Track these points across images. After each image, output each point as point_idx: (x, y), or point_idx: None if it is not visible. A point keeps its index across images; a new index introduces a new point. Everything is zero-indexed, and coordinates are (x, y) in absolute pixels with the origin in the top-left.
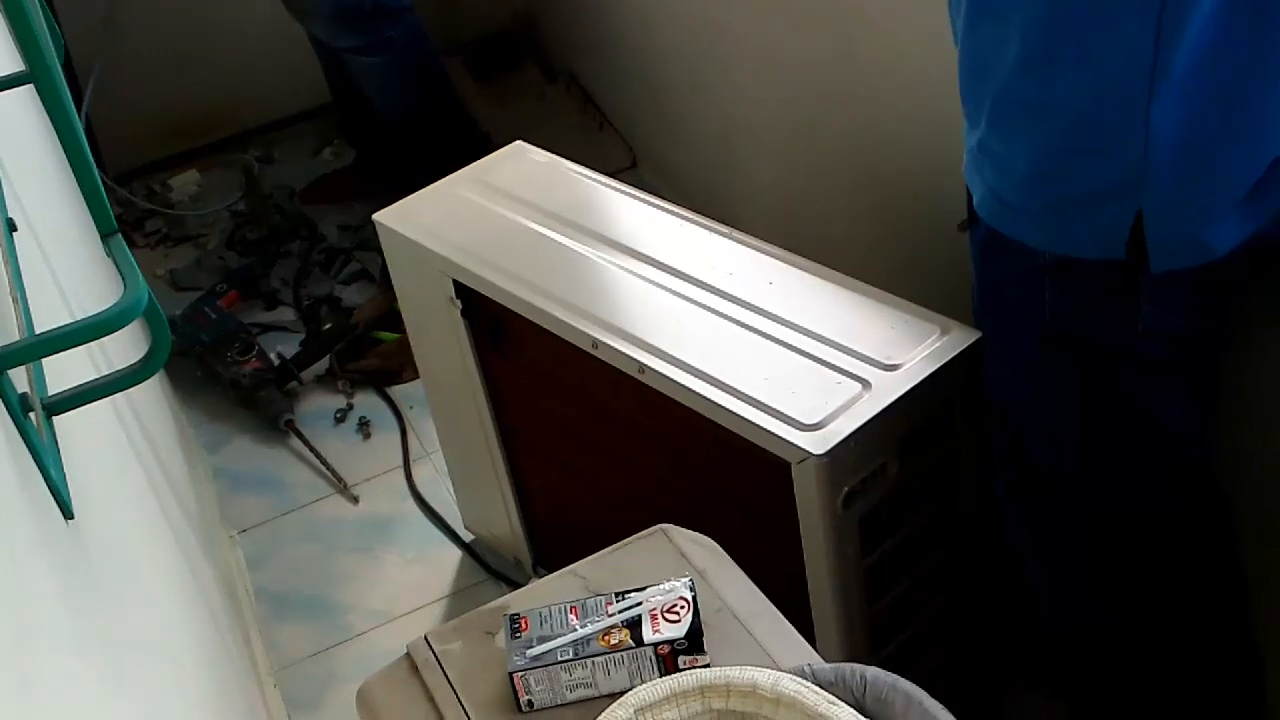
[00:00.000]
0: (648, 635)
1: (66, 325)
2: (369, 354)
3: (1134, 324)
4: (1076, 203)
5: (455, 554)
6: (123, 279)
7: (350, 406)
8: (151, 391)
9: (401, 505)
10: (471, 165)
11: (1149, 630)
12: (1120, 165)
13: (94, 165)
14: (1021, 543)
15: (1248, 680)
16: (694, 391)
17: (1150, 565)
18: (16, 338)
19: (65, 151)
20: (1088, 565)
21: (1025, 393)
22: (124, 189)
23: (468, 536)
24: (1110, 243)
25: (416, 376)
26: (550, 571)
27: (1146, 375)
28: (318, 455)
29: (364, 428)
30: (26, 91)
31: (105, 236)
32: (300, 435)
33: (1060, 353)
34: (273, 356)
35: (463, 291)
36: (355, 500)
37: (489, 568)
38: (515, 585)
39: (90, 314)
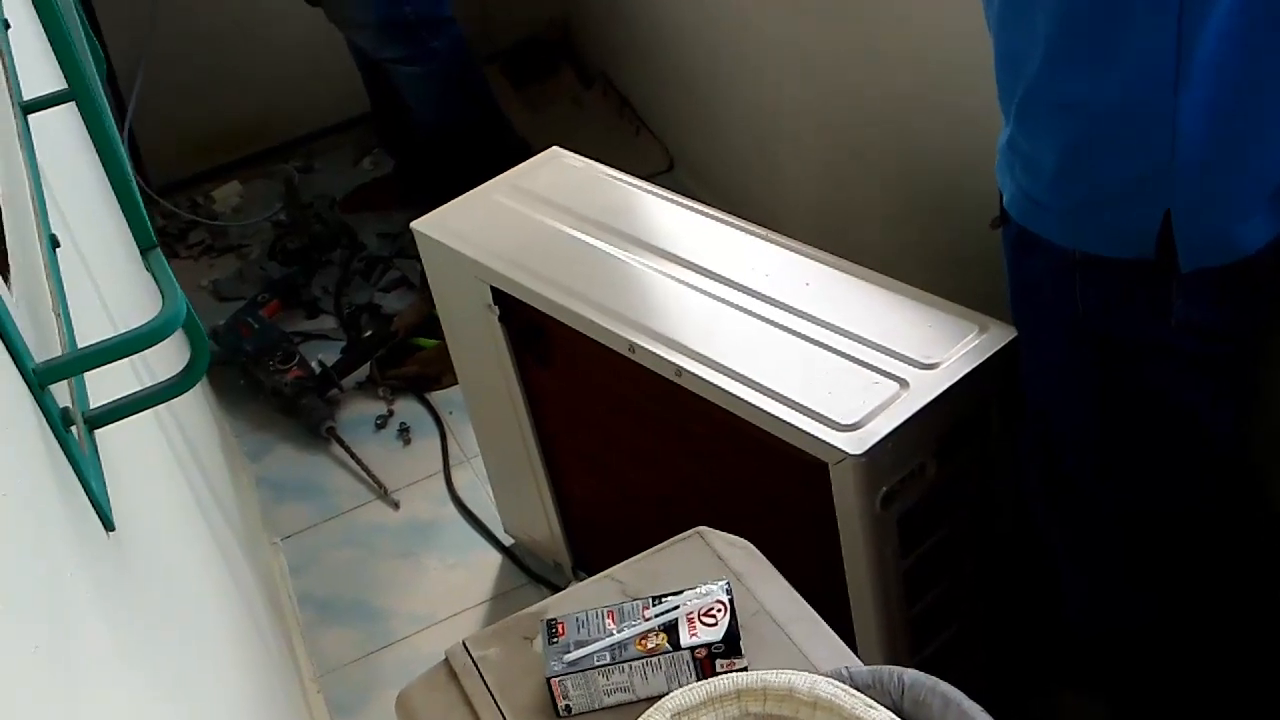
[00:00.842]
0: (685, 639)
1: (106, 340)
2: (409, 361)
3: (1166, 319)
4: (1104, 201)
5: (496, 558)
6: (161, 293)
7: (391, 413)
8: (194, 401)
9: (442, 510)
10: (508, 172)
11: (1182, 630)
12: (1147, 163)
13: (134, 182)
14: (1053, 544)
15: None
16: (731, 394)
17: (1181, 565)
18: (59, 352)
19: (106, 169)
20: (1117, 566)
21: (1057, 391)
22: (167, 201)
23: (508, 540)
24: (1140, 242)
25: (456, 382)
26: (590, 574)
27: (1180, 371)
28: (359, 462)
29: (404, 434)
30: (69, 108)
31: (144, 251)
32: (341, 442)
33: (1092, 349)
34: (314, 364)
35: (500, 297)
36: (396, 506)
37: (529, 571)
38: (556, 588)
39: (132, 327)
